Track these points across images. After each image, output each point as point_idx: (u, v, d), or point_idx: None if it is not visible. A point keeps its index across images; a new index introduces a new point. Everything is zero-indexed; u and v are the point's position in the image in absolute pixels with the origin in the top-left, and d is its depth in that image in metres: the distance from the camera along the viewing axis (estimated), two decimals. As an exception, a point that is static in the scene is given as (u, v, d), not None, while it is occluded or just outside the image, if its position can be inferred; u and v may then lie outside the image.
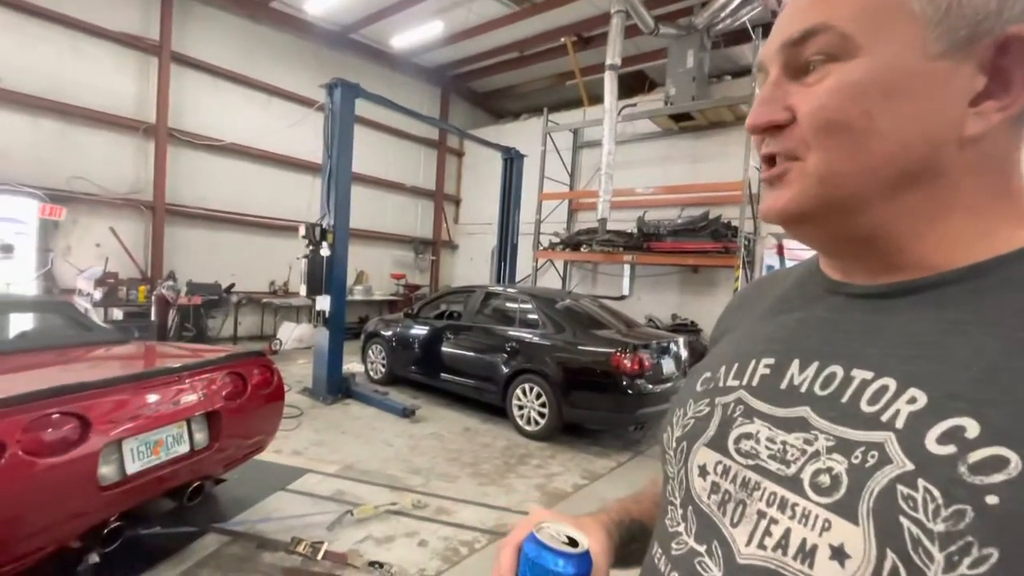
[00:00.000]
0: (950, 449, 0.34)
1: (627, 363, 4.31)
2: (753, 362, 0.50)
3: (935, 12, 0.38)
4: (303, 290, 5.63)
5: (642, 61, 9.49)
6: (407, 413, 5.13)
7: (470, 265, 12.53)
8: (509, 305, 5.60)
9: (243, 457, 2.91)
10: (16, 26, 6.63)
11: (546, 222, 9.73)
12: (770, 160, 0.47)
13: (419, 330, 6.03)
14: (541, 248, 9.54)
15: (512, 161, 8.39)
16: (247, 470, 3.34)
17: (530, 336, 5.00)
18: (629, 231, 8.39)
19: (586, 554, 0.53)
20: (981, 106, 0.39)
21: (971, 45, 0.38)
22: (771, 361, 0.49)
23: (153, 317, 7.17)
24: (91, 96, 7.24)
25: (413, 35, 9.31)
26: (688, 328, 7.92)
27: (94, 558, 2.14)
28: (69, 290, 7.01)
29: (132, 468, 2.15)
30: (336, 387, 5.64)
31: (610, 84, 7.47)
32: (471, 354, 5.40)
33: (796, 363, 0.46)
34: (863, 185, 0.42)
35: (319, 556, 2.48)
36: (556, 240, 9.41)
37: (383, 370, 6.42)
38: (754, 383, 0.49)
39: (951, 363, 0.38)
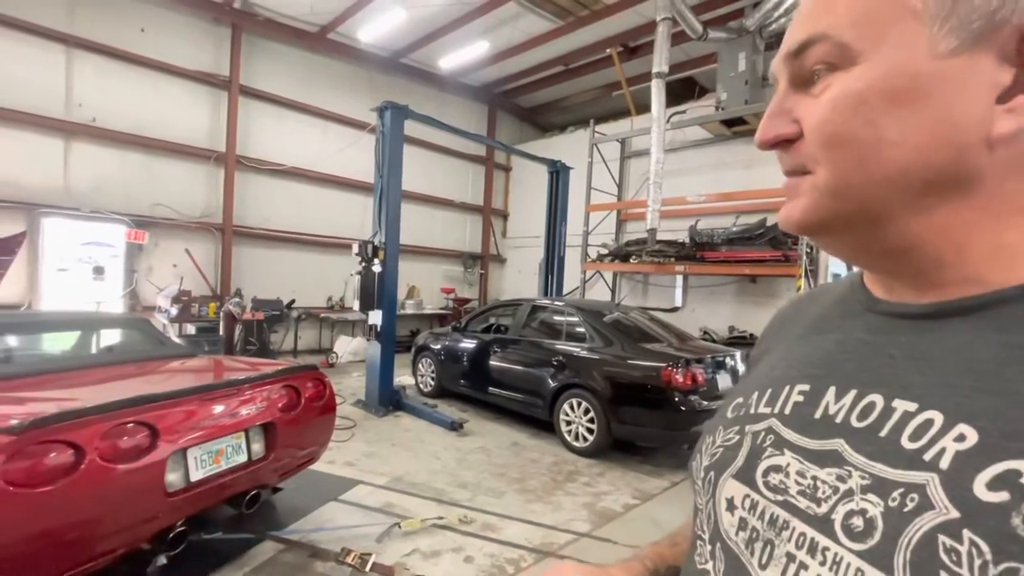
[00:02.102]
0: (1002, 496, 0.30)
1: (679, 378, 4.14)
2: (787, 388, 0.47)
3: (940, 8, 0.35)
4: (356, 305, 5.84)
5: (691, 67, 9.29)
6: (455, 426, 5.17)
7: (518, 278, 12.58)
8: (556, 318, 5.55)
9: (297, 467, 3.02)
10: (109, 70, 7.39)
11: (594, 234, 9.62)
12: (788, 173, 0.45)
13: (467, 344, 6.09)
14: (589, 260, 9.43)
15: (558, 174, 8.39)
16: (302, 480, 3.46)
17: (577, 350, 4.92)
18: (681, 241, 8.15)
19: None
20: (1012, 101, 0.35)
21: (988, 37, 0.35)
22: (806, 387, 0.45)
23: (221, 332, 7.65)
24: (170, 130, 7.93)
25: (460, 56, 9.57)
26: (746, 341, 7.54)
27: (162, 560, 2.27)
28: (150, 307, 7.62)
29: (196, 476, 2.27)
30: (387, 399, 5.77)
31: (657, 92, 7.33)
32: (518, 368, 5.38)
33: (832, 390, 0.43)
34: (881, 196, 0.39)
35: (367, 568, 2.52)
36: (604, 251, 9.28)
37: (432, 383, 6.51)
38: (786, 411, 0.45)
39: (1010, 397, 0.33)
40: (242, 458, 2.51)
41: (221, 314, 7.70)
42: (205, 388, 2.52)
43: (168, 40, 7.85)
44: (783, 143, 0.43)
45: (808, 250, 6.78)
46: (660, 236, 7.89)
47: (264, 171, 8.93)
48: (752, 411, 0.49)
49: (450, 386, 6.30)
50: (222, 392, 2.53)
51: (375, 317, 5.73)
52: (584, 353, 4.84)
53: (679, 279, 8.98)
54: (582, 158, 9.43)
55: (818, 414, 0.43)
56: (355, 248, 5.74)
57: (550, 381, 4.97)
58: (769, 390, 0.49)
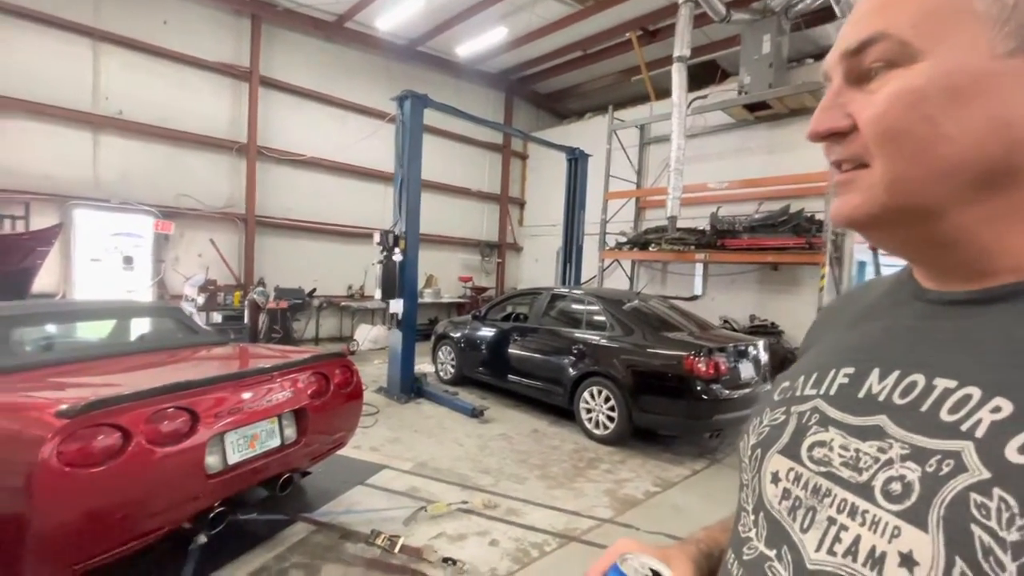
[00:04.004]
0: None
1: (702, 367, 4.13)
2: (833, 371, 0.50)
3: (1001, 10, 0.38)
4: (378, 294, 5.91)
5: (713, 50, 9.07)
6: (476, 413, 5.23)
7: (535, 267, 12.57)
8: (575, 307, 5.55)
9: (327, 452, 3.10)
10: (134, 64, 7.52)
11: (612, 221, 9.55)
12: (839, 165, 0.46)
13: (486, 332, 6.13)
14: (607, 248, 9.38)
15: (576, 161, 8.32)
16: (330, 464, 3.55)
17: (597, 338, 4.92)
18: (701, 228, 8.04)
19: None
20: None
21: None
22: (850, 370, 0.48)
23: (246, 320, 7.83)
24: (193, 121, 8.05)
25: (477, 43, 9.50)
26: (768, 330, 7.46)
27: (202, 539, 2.37)
28: (177, 296, 7.82)
29: (233, 459, 2.36)
30: (409, 387, 5.86)
31: (678, 77, 7.21)
32: (538, 356, 5.41)
33: (876, 372, 0.46)
34: (936, 190, 0.41)
35: (396, 549, 2.59)
36: (623, 240, 9.22)
37: (452, 371, 6.59)
38: (831, 392, 0.49)
39: None
40: (275, 442, 2.59)
41: (246, 303, 7.87)
42: (240, 375, 2.60)
43: (190, 32, 7.94)
44: (835, 136, 0.45)
45: (833, 237, 6.65)
46: (680, 224, 7.80)
47: (285, 161, 9.03)
48: (798, 393, 0.52)
49: (470, 374, 6.36)
50: (256, 379, 2.60)
51: (396, 305, 5.80)
52: (604, 342, 4.84)
53: (699, 267, 8.88)
54: (600, 145, 9.32)
55: (861, 394, 0.46)
56: (377, 237, 5.79)
57: (570, 369, 4.99)
58: (815, 374, 0.52)
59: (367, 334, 8.98)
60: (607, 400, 4.65)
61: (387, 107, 6.31)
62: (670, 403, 4.39)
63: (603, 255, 9.34)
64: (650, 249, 8.49)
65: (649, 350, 4.54)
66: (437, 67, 10.58)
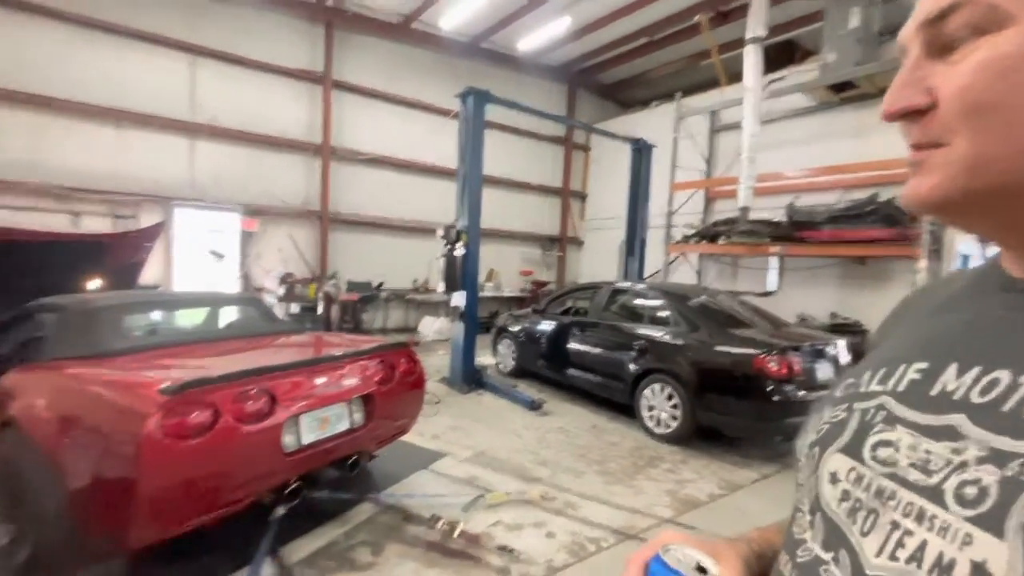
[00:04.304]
0: None
1: (773, 366, 3.89)
2: (903, 367, 0.46)
3: None
4: (441, 287, 6.08)
5: (792, 28, 8.47)
6: (535, 406, 5.26)
7: (597, 261, 12.39)
8: (638, 302, 5.41)
9: (391, 437, 3.25)
10: (224, 74, 8.18)
11: (679, 214, 9.21)
12: (917, 147, 0.42)
13: (546, 326, 6.13)
14: (673, 241, 9.06)
15: (640, 152, 8.09)
16: (395, 449, 3.71)
17: (660, 334, 4.78)
18: (776, 220, 7.56)
19: None
20: None
21: None
22: (924, 365, 0.45)
23: (320, 311, 8.33)
24: (274, 125, 8.65)
25: (539, 35, 9.45)
26: (851, 328, 6.89)
27: (281, 511, 2.56)
28: (260, 288, 8.46)
29: (307, 439, 2.53)
30: (470, 378, 5.99)
31: (753, 58, 6.80)
32: (598, 351, 5.34)
33: (953, 368, 0.42)
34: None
35: (455, 534, 2.67)
36: (690, 232, 8.85)
37: (512, 363, 6.66)
38: (900, 388, 0.45)
39: None
40: (345, 425, 2.74)
41: (320, 295, 8.38)
42: (314, 361, 2.78)
43: (271, 41, 8.52)
44: (913, 114, 0.41)
45: (932, 227, 6.01)
46: (753, 215, 7.38)
47: (356, 160, 9.49)
48: (862, 389, 0.49)
49: (529, 367, 6.40)
50: (328, 366, 2.77)
51: (458, 298, 5.94)
52: (668, 338, 4.69)
53: (774, 261, 8.35)
54: (666, 134, 9.00)
55: (935, 391, 0.42)
56: (440, 232, 5.96)
57: (631, 365, 4.88)
58: (883, 369, 0.48)
59: (431, 326, 9.27)
60: (670, 398, 4.51)
61: (451, 104, 6.45)
62: (738, 403, 4.18)
63: (669, 249, 9.04)
64: (719, 242, 8.11)
65: (716, 347, 4.35)
66: (499, 63, 10.66)
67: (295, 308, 8.15)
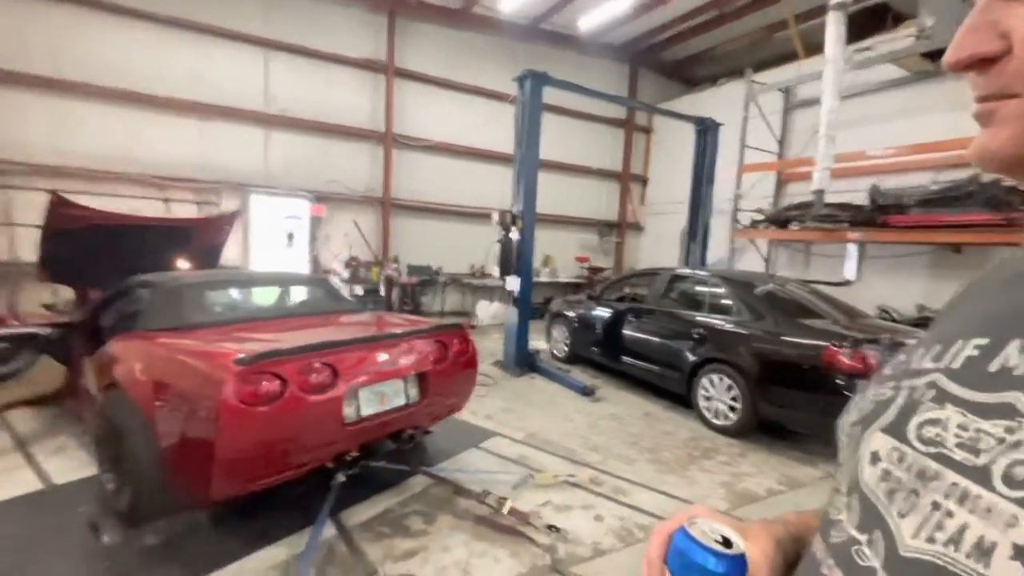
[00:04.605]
0: None
1: (844, 359, 3.63)
2: (959, 343, 0.42)
3: None
4: (496, 272, 6.15)
5: (882, -9, 7.67)
6: (587, 392, 5.24)
7: (657, 247, 12.02)
8: (698, 289, 5.21)
9: (444, 414, 3.36)
10: (295, 66, 8.60)
11: (747, 197, 8.72)
12: (984, 100, 0.38)
13: (601, 312, 6.06)
14: (740, 227, 8.61)
15: (706, 132, 7.72)
16: (448, 426, 3.85)
17: (721, 323, 4.59)
18: (857, 203, 6.98)
19: (740, 558, 0.49)
20: None
21: None
22: (983, 342, 0.41)
23: (382, 293, 8.68)
24: (340, 114, 9.01)
25: (600, 13, 9.16)
26: (940, 323, 6.28)
27: (341, 478, 2.74)
28: (328, 271, 8.92)
29: (365, 411, 2.67)
30: (523, 362, 6.05)
31: (835, 26, 6.23)
32: (654, 339, 5.21)
33: (1016, 343, 0.38)
34: None
35: (504, 511, 2.73)
36: (759, 217, 8.37)
37: (566, 349, 6.64)
38: (955, 365, 0.41)
39: None
40: (401, 400, 2.87)
41: (382, 278, 8.73)
42: (374, 339, 2.92)
43: (337, 33, 8.84)
44: (983, 63, 0.37)
45: (1044, 211, 5.33)
46: (829, 198, 6.85)
47: (416, 147, 9.71)
48: (913, 366, 0.46)
49: (582, 353, 6.36)
50: (387, 343, 2.90)
51: (512, 283, 5.98)
52: (729, 327, 4.50)
53: (852, 248, 7.73)
54: (735, 113, 8.51)
55: (994, 367, 0.39)
56: (495, 217, 6.00)
57: (689, 354, 4.73)
58: (937, 346, 0.45)
59: (487, 310, 9.42)
60: (729, 388, 4.34)
61: (509, 88, 6.43)
62: (804, 397, 3.95)
63: (735, 235, 8.60)
64: (791, 228, 7.61)
65: (783, 338, 4.11)
66: (559, 44, 10.47)
67: (359, 290, 8.54)
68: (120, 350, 2.88)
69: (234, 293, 3.84)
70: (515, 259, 5.91)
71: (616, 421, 4.60)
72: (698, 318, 4.84)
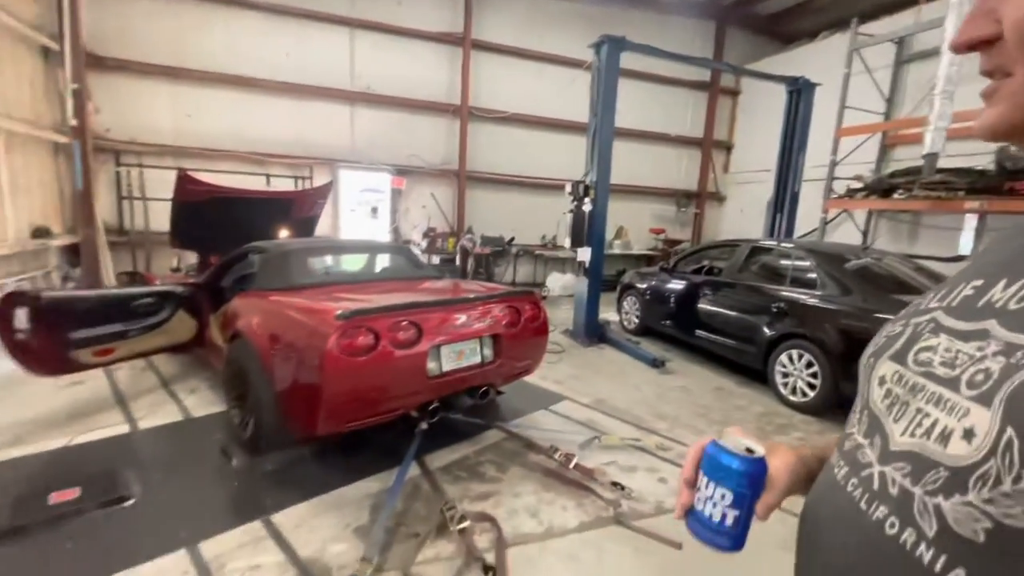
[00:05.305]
0: None
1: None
2: (962, 285, 0.51)
3: None
4: (567, 242, 6.21)
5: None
6: (657, 364, 5.24)
7: (740, 218, 11.42)
8: (781, 262, 4.97)
9: (516, 375, 3.56)
10: (378, 43, 8.97)
11: (843, 164, 8.01)
12: (989, 76, 0.45)
13: (675, 284, 5.96)
14: (834, 196, 7.95)
15: (799, 93, 7.14)
16: (519, 388, 4.07)
17: (805, 297, 4.38)
18: (978, 168, 6.21)
19: (759, 461, 0.60)
20: None
21: None
22: (979, 282, 0.49)
23: (457, 263, 9.05)
24: (419, 89, 9.31)
25: (684, -32, 8.63)
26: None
27: (424, 426, 3.03)
28: (408, 241, 9.43)
29: (446, 367, 2.93)
30: (592, 332, 6.14)
31: (961, -35, 5.46)
32: (730, 312, 5.08)
33: (1003, 282, 0.46)
34: None
35: (571, 466, 2.91)
36: (857, 186, 7.67)
37: (636, 321, 6.63)
38: (954, 304, 0.50)
39: None
40: (476, 359, 3.10)
41: (458, 248, 9.08)
42: (454, 301, 3.16)
43: (417, 7, 9.06)
44: (982, 44, 0.43)
45: None
46: (943, 164, 6.15)
47: (490, 119, 9.84)
48: (922, 307, 0.54)
49: (653, 325, 6.32)
50: (466, 306, 3.13)
51: (584, 254, 6.03)
52: (814, 301, 4.29)
53: (970, 219, 6.92)
54: (835, 71, 7.78)
55: (981, 303, 0.47)
56: (568, 187, 6.03)
57: (766, 329, 4.58)
58: (945, 289, 0.53)
59: (558, 281, 9.53)
60: (809, 365, 4.17)
61: (583, 55, 6.31)
62: (894, 378, 3.72)
63: (827, 205, 7.97)
64: (895, 197, 6.92)
65: (874, 315, 3.87)
66: (637, 4, 10.01)
67: (436, 259, 8.97)
68: (241, 306, 3.34)
69: (331, 259, 4.25)
70: (587, 230, 5.93)
71: (686, 393, 4.60)
72: (781, 292, 4.64)
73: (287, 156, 8.60)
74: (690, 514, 0.65)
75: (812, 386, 4.14)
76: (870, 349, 0.58)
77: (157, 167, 7.72)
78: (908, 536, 0.43)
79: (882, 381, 0.53)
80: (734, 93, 11.70)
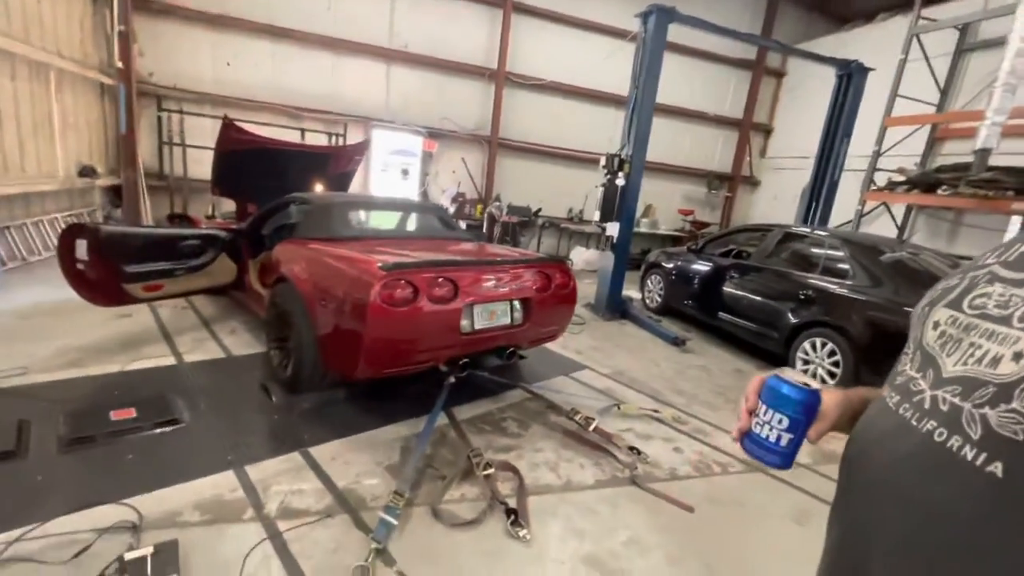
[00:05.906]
0: None
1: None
2: (1018, 244, 0.57)
3: None
4: (596, 216, 6.21)
5: None
6: (678, 342, 5.30)
7: (773, 204, 11.19)
8: (813, 250, 4.93)
9: (541, 339, 3.67)
10: (418, 2, 8.83)
11: (888, 155, 7.76)
12: None
13: (701, 265, 5.95)
14: (873, 188, 7.75)
15: (849, 77, 6.89)
16: (543, 354, 4.18)
17: (834, 287, 4.36)
18: (1030, 168, 5.98)
19: (815, 392, 0.68)
20: None
21: None
22: None
23: (484, 229, 9.11)
24: (456, 51, 9.19)
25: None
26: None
27: (452, 379, 3.17)
28: (436, 204, 9.49)
29: (478, 325, 3.04)
30: (615, 307, 6.19)
31: (1042, -52, 5.15)
32: (755, 297, 5.08)
33: None
34: None
35: (590, 428, 3.03)
36: (899, 178, 7.45)
37: (659, 300, 6.66)
38: (1011, 259, 0.57)
39: None
40: (506, 320, 3.20)
41: (485, 215, 9.13)
42: (490, 262, 3.25)
43: (460, -34, 8.86)
44: None
45: None
46: (995, 161, 5.93)
47: (526, 86, 9.70)
48: (980, 263, 0.61)
49: (676, 305, 6.34)
50: (500, 268, 3.22)
51: (612, 229, 6.03)
52: (843, 291, 4.27)
53: (1016, 222, 6.70)
54: (890, 56, 7.46)
55: None
56: (603, 161, 5.99)
57: (790, 315, 4.59)
58: (1001, 249, 0.60)
59: (581, 255, 9.55)
60: (831, 354, 4.19)
61: (628, 25, 6.16)
62: (918, 372, 3.73)
63: (866, 196, 7.77)
64: (939, 192, 6.72)
65: (905, 307, 3.85)
66: (689, -27, 9.61)
67: (463, 224, 9.03)
68: (283, 253, 3.48)
69: (370, 214, 4.36)
70: (618, 205, 5.92)
71: (704, 372, 4.67)
72: (809, 280, 4.62)
73: (322, 111, 8.66)
74: (746, 437, 0.74)
75: (832, 375, 4.17)
76: (925, 300, 0.65)
77: (197, 115, 7.86)
78: (955, 441, 0.50)
79: (936, 325, 0.60)
80: (779, 74, 11.29)
